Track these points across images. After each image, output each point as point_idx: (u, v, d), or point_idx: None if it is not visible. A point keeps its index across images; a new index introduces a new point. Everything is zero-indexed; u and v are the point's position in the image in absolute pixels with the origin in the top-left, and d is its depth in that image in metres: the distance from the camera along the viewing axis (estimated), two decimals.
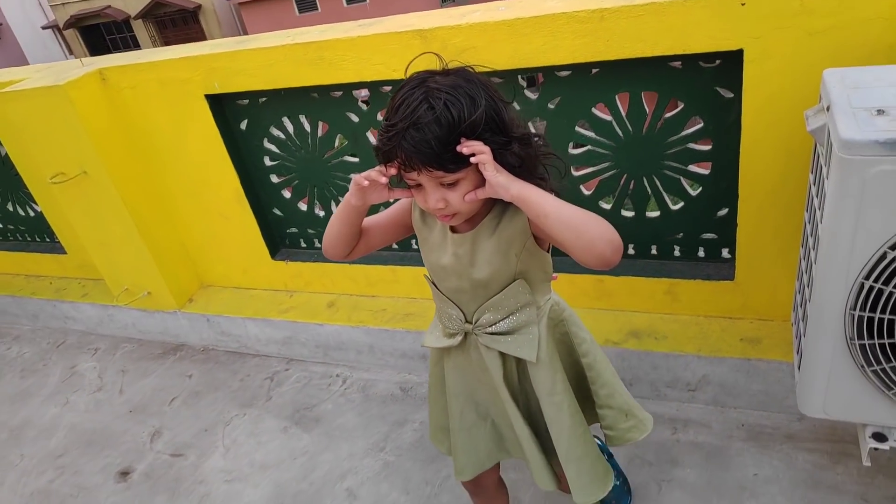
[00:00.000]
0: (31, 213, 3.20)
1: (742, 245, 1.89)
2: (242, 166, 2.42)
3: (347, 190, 2.27)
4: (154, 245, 2.62)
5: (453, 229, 1.25)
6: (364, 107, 2.15)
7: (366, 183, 1.15)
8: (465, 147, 1.03)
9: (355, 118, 2.17)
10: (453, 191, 1.10)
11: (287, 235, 2.62)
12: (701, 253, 2.03)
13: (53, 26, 21.93)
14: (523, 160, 1.10)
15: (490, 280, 1.24)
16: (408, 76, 1.10)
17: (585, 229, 1.06)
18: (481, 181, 1.10)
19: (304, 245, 2.62)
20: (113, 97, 2.38)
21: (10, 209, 3.25)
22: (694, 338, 2.01)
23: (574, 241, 1.06)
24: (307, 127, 2.26)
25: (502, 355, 1.32)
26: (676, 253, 2.05)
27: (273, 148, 2.37)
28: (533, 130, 1.21)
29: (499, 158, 1.07)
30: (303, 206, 2.50)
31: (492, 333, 1.30)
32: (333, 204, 2.41)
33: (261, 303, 2.69)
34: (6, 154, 2.94)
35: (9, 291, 3.33)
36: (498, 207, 1.21)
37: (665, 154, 1.87)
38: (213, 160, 2.40)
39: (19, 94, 2.33)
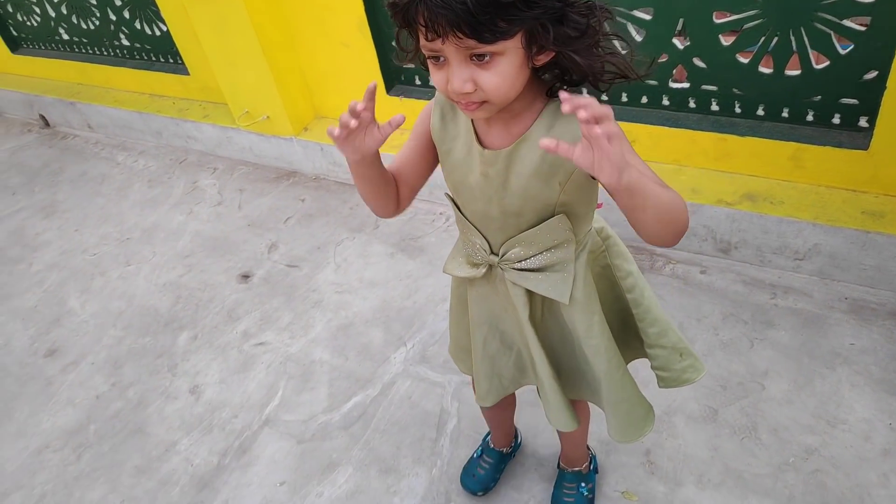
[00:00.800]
0: (158, 33, 3.33)
1: (886, 112, 1.80)
2: None
3: None
4: (276, 69, 2.71)
5: (482, 143, 1.01)
6: None
7: (337, 132, 0.93)
8: (567, 103, 0.74)
9: None
10: (486, 69, 0.85)
11: (403, 71, 2.65)
12: (836, 119, 1.94)
13: None
14: (584, 32, 0.87)
15: (524, 209, 1.04)
16: None
17: (676, 221, 0.90)
18: (525, 56, 0.87)
19: (418, 83, 2.64)
20: None
21: (138, 27, 3.39)
22: (812, 205, 1.98)
23: (657, 230, 0.90)
24: None
25: (530, 292, 1.14)
26: (809, 118, 1.97)
27: None
28: None
29: (552, 29, 0.84)
30: None
31: (520, 269, 1.12)
32: None
33: None
34: None
35: (135, 108, 3.55)
36: (546, 116, 0.97)
37: (820, 4, 1.75)
38: None
39: None
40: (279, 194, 2.99)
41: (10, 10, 3.99)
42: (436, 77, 0.89)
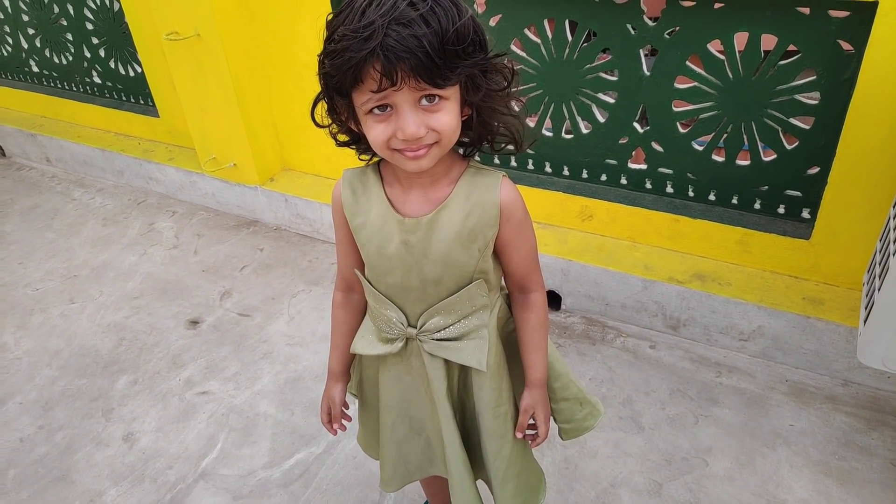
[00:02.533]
0: (132, 73, 3.34)
1: (826, 206, 1.92)
2: None
3: None
4: (249, 119, 2.74)
5: (399, 211, 1.03)
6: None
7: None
8: (519, 432, 1.17)
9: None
10: (436, 111, 0.89)
11: None
12: (781, 209, 2.06)
13: None
14: (503, 89, 0.95)
15: (444, 277, 1.06)
16: None
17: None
18: (462, 101, 0.93)
19: None
20: None
21: (112, 66, 3.40)
22: (757, 289, 2.06)
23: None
24: None
25: (447, 363, 1.14)
26: (757, 206, 2.09)
27: None
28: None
29: (477, 84, 0.91)
30: None
31: (439, 339, 1.11)
32: None
33: None
34: (120, 8, 3.06)
35: (98, 145, 3.51)
36: (464, 182, 1.02)
37: (770, 102, 1.88)
38: (318, 44, 2.47)
39: None
40: (238, 242, 2.96)
41: None
42: (376, 131, 0.90)
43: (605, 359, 2.17)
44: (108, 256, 2.96)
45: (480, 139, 1.02)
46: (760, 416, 1.93)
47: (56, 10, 3.40)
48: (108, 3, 3.15)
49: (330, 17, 0.90)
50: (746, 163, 2.03)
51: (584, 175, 2.31)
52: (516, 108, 1.01)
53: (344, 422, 1.32)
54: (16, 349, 2.43)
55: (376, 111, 0.88)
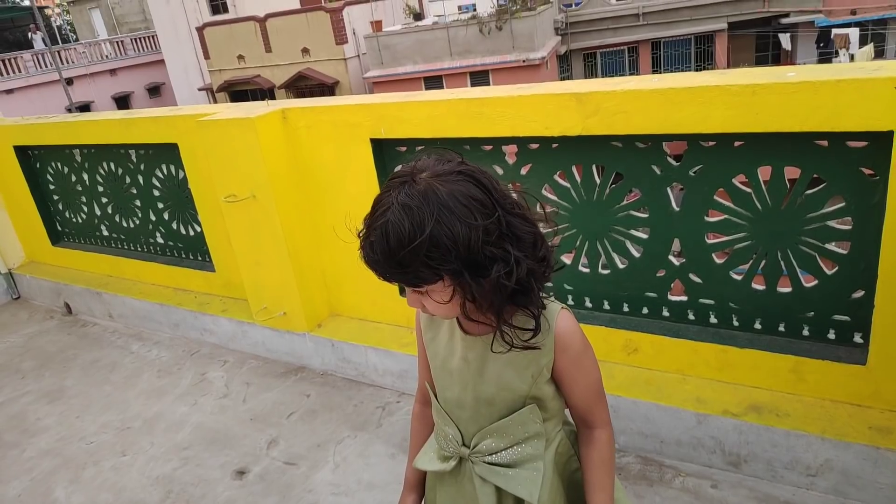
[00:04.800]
0: (192, 233, 3.60)
1: (877, 329, 1.87)
2: None
3: None
4: (299, 270, 2.89)
5: (463, 328, 1.13)
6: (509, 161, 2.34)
7: None
8: None
9: (500, 170, 2.37)
10: (426, 297, 1.04)
11: None
12: (832, 335, 2.02)
13: (208, 89, 24.68)
14: (491, 289, 1.00)
15: (496, 398, 1.11)
16: (402, 168, 1.06)
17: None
18: (453, 292, 1.02)
19: None
20: (290, 133, 2.72)
21: (174, 227, 3.67)
22: (818, 419, 1.97)
23: None
24: None
25: (499, 491, 1.14)
26: (805, 332, 2.05)
27: None
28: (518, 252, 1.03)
29: (464, 283, 1.00)
30: None
31: (491, 464, 1.13)
32: None
33: (384, 335, 2.87)
34: (184, 177, 3.37)
35: (158, 300, 3.71)
36: (522, 313, 1.07)
37: (803, 230, 1.92)
38: (367, 197, 2.65)
39: (215, 123, 2.72)
40: (285, 389, 3.00)
41: (61, 207, 4.36)
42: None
43: (664, 501, 2.05)
44: (161, 407, 3.03)
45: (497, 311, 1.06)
46: None
47: (128, 180, 3.76)
48: (174, 171, 3.48)
49: None
50: (788, 290, 2.03)
51: (626, 308, 2.33)
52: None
53: None
54: None
55: None
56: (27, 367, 3.63)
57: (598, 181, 2.19)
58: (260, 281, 3.03)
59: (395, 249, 0.97)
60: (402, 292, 2.79)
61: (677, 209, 2.09)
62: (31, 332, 4.10)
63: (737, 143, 1.92)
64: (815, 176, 1.86)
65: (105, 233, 4.14)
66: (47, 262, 4.63)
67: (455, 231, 0.96)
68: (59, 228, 4.51)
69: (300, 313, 2.97)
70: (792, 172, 1.89)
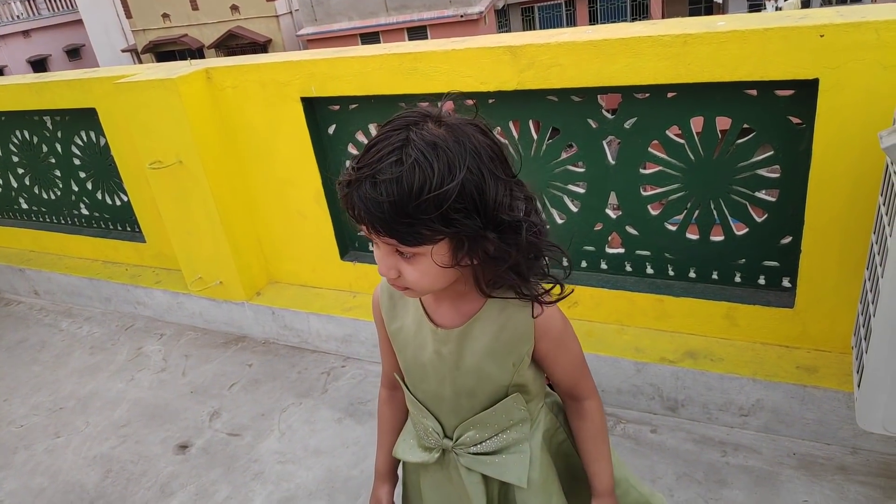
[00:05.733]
0: (118, 203, 3.42)
1: (804, 273, 1.94)
2: (325, 168, 2.59)
3: None
4: (233, 237, 2.79)
5: (433, 321, 1.03)
6: None
7: None
8: None
9: None
10: (410, 264, 0.90)
11: (357, 238, 2.76)
12: (762, 280, 2.08)
13: (132, 50, 23.42)
14: (504, 254, 0.90)
15: (477, 389, 1.04)
16: (410, 109, 0.93)
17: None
18: (450, 259, 0.90)
19: (371, 248, 2.75)
20: (216, 94, 2.59)
21: (99, 197, 3.48)
22: (750, 362, 2.05)
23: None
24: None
25: (486, 478, 1.11)
26: (737, 279, 2.11)
27: (356, 153, 2.53)
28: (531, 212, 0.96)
29: (473, 245, 0.89)
30: None
31: (475, 454, 1.08)
32: None
33: (325, 300, 2.82)
34: (105, 143, 3.18)
35: (86, 274, 3.54)
36: (497, 300, 0.99)
37: (733, 179, 1.95)
38: (300, 161, 2.57)
39: (134, 85, 2.56)
40: (226, 360, 2.93)
41: None
42: (375, 253, 0.96)
43: None
44: (96, 385, 2.91)
45: (491, 285, 0.98)
46: (772, 495, 1.86)
47: (45, 148, 3.53)
48: (94, 138, 3.28)
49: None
50: (721, 238, 2.07)
51: (564, 262, 2.34)
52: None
53: None
54: None
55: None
56: None
57: (535, 136, 2.17)
58: (193, 250, 2.92)
59: (414, 194, 0.81)
60: (343, 255, 2.75)
61: (613, 163, 2.10)
62: None
63: (670, 95, 1.92)
64: (744, 126, 1.88)
65: (24, 205, 3.90)
66: None
67: (487, 182, 0.85)
68: None
69: (237, 282, 2.88)
70: (723, 123, 1.91)
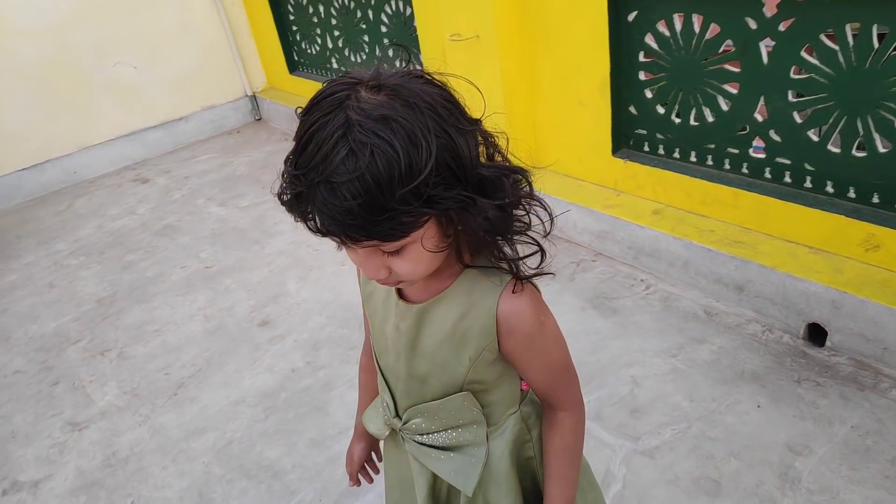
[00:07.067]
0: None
1: None
2: (617, 57, 2.51)
3: (714, 99, 2.25)
4: (511, 118, 2.88)
5: (399, 292, 0.92)
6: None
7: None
8: None
9: (753, 24, 2.09)
10: (398, 258, 0.77)
11: (633, 135, 2.68)
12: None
13: None
14: (497, 221, 0.77)
15: (430, 376, 0.92)
16: (332, 83, 0.74)
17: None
18: (440, 237, 0.77)
19: (646, 149, 2.65)
20: None
21: (397, 65, 3.80)
22: None
23: None
24: (696, 27, 2.25)
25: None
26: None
27: (652, 44, 2.41)
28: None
29: (462, 216, 0.75)
30: (660, 110, 2.52)
31: (421, 444, 0.98)
32: (694, 112, 2.39)
33: (587, 193, 2.83)
34: (411, 13, 3.42)
35: None
36: (466, 277, 0.86)
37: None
38: (592, 47, 2.52)
39: None
40: None
41: (298, 38, 4.70)
42: (350, 256, 0.80)
43: (874, 408, 1.89)
44: None
45: (475, 252, 0.86)
46: None
47: (359, 14, 3.91)
48: (402, 8, 3.54)
49: (299, 114, 0.76)
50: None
51: (875, 199, 2.04)
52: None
53: (371, 474, 1.28)
54: (296, 296, 2.85)
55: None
56: (266, 179, 4.13)
57: (876, 46, 1.86)
58: None
59: (384, 187, 0.67)
60: (615, 151, 2.69)
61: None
62: (270, 150, 4.63)
63: None
64: None
65: (335, 65, 4.41)
66: (284, 88, 5.10)
67: (457, 142, 0.72)
68: (296, 59, 4.88)
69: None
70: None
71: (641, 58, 2.48)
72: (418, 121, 0.69)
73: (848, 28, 1.87)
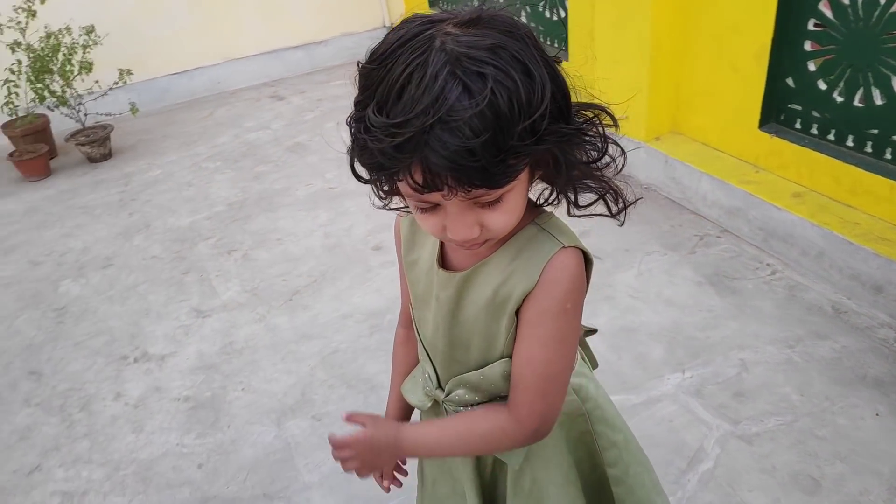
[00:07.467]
0: (555, 18, 3.60)
1: None
2: (784, 22, 2.32)
3: (888, 80, 2.04)
4: (655, 75, 2.76)
5: (445, 261, 0.87)
6: None
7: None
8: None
9: None
10: (494, 210, 0.72)
11: (786, 110, 2.50)
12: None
13: None
14: (592, 151, 0.76)
15: (471, 343, 0.88)
16: (404, 25, 0.67)
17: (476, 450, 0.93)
18: (528, 183, 0.75)
19: (798, 126, 2.47)
20: None
21: (539, 9, 3.71)
22: None
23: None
24: None
25: None
26: None
27: (827, 11, 2.20)
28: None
29: (563, 157, 0.73)
30: (822, 86, 2.32)
31: None
32: (861, 91, 2.18)
33: (724, 165, 2.68)
34: None
35: None
36: (521, 237, 0.81)
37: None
38: (758, 7, 2.34)
39: None
40: None
41: None
42: (427, 223, 0.74)
43: None
44: None
45: (558, 194, 0.83)
46: None
47: None
48: None
49: (363, 67, 0.69)
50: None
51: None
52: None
53: (399, 477, 1.13)
54: None
55: (421, 205, 0.72)
56: None
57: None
58: (611, 80, 2.97)
59: (508, 121, 0.62)
60: (763, 124, 2.51)
61: None
62: None
63: None
64: None
65: (474, 1, 4.36)
66: None
67: (560, 78, 0.68)
68: None
69: (641, 122, 2.89)
70: None
71: (811, 26, 2.28)
72: (526, 50, 0.65)
73: None
